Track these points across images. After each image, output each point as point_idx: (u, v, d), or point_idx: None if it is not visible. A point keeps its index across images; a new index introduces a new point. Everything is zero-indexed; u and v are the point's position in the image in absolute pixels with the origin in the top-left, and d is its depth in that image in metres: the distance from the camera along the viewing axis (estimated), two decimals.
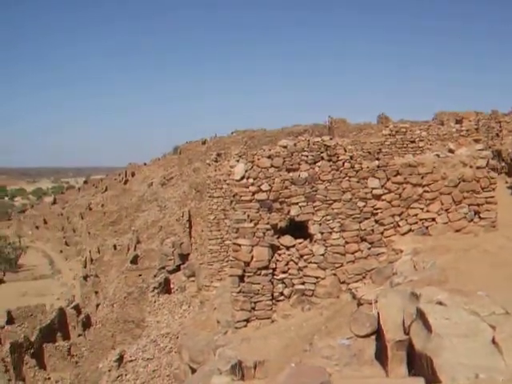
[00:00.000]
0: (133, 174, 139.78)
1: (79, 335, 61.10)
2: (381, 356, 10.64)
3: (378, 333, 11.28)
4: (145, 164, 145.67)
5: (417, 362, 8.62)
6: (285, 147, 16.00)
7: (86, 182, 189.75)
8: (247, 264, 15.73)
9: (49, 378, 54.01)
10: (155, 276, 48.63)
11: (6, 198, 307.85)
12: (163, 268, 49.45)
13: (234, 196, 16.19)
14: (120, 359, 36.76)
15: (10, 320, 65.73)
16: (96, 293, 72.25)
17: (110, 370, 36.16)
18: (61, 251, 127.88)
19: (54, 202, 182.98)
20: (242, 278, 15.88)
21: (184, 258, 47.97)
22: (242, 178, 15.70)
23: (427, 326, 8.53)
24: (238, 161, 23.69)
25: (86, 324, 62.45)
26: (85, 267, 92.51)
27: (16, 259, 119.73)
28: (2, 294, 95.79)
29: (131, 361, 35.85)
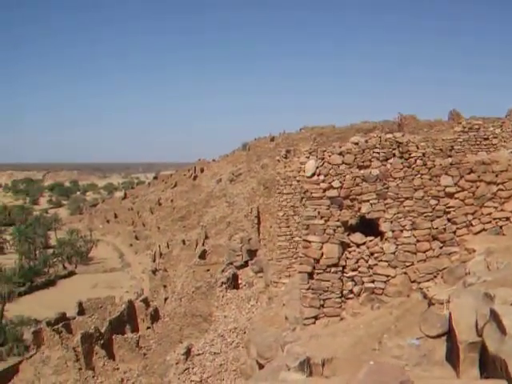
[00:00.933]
0: (202, 170, 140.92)
1: (148, 328, 62.05)
2: (451, 357, 10.46)
3: (450, 334, 11.09)
4: (214, 160, 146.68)
5: (490, 365, 8.44)
6: (356, 144, 15.85)
7: (155, 178, 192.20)
8: (317, 261, 15.65)
9: (117, 369, 55.00)
10: (223, 271, 48.94)
11: (78, 193, 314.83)
12: (231, 263, 49.73)
13: (304, 193, 16.13)
14: (187, 352, 37.15)
15: (81, 311, 67.31)
16: (164, 287, 73.21)
17: (177, 363, 36.58)
18: (130, 245, 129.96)
19: (125, 197, 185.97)
20: (311, 275, 15.82)
21: (252, 253, 48.14)
22: (313, 174, 15.63)
23: (501, 328, 8.33)
24: (308, 157, 23.59)
25: (155, 317, 63.34)
26: (154, 261, 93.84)
27: (87, 252, 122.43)
28: (73, 285, 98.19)
29: (198, 354, 36.17)
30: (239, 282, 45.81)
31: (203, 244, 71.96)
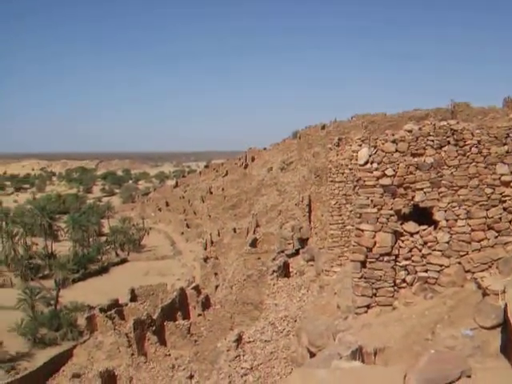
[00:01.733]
0: (253, 159, 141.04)
1: (199, 315, 62.57)
2: (507, 349, 10.30)
3: (505, 325, 10.91)
4: (264, 149, 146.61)
5: None
6: (410, 131, 15.63)
7: (206, 166, 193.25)
8: (369, 249, 15.53)
9: (169, 355, 55.65)
10: (274, 259, 48.98)
11: (131, 182, 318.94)
12: (282, 252, 49.72)
13: (357, 181, 15.96)
14: (238, 340, 37.30)
15: (133, 298, 68.25)
16: (215, 274, 73.68)
17: (228, 350, 36.74)
18: (182, 233, 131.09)
19: (176, 186, 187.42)
20: (363, 264, 15.71)
21: (303, 242, 48.04)
22: (366, 162, 15.49)
23: None
24: (360, 145, 23.38)
25: (206, 304, 63.84)
26: (205, 249, 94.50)
27: (139, 240, 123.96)
28: (125, 272, 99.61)
29: (249, 342, 36.29)
30: (290, 270, 45.78)
31: (254, 232, 72.12)
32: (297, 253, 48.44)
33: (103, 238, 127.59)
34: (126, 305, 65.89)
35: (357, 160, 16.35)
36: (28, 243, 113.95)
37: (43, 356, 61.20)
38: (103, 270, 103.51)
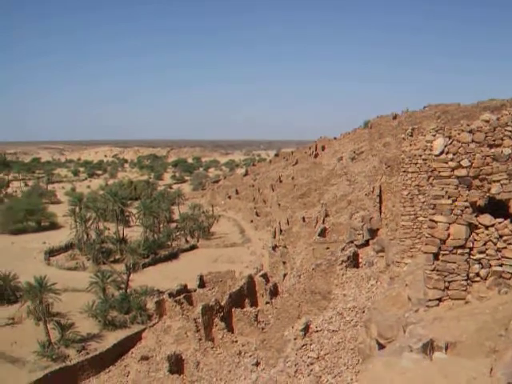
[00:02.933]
0: (323, 148, 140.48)
1: (266, 303, 62.77)
2: None
3: None
4: (335, 138, 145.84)
5: None
6: (487, 121, 15.20)
7: (276, 155, 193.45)
8: (443, 242, 15.22)
9: (236, 341, 56.02)
10: (343, 249, 48.66)
11: (201, 169, 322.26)
12: (352, 242, 49.37)
13: (431, 171, 15.67)
14: (306, 329, 37.24)
15: (202, 284, 68.96)
16: (284, 263, 73.74)
17: (295, 339, 36.72)
18: (251, 221, 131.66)
19: (246, 174, 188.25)
20: (436, 256, 15.41)
21: (373, 233, 47.58)
22: (441, 153, 15.15)
23: None
24: (434, 135, 22.87)
25: (274, 292, 63.98)
26: (274, 237, 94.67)
27: (209, 227, 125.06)
28: (195, 259, 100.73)
29: (317, 331, 36.17)
30: (359, 260, 45.44)
31: (323, 222, 71.83)
32: (366, 243, 48.04)
33: (173, 225, 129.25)
34: (195, 290, 66.63)
35: (431, 150, 16.05)
36: (100, 228, 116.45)
37: (113, 338, 62.59)
38: (173, 256, 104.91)
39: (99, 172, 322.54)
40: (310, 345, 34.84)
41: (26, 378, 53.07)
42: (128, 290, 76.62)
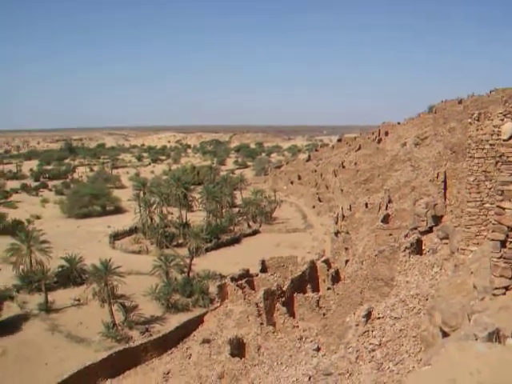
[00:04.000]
0: (386, 133, 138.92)
1: (328, 288, 62.54)
2: None
3: None
4: (398, 123, 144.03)
5: None
6: None
7: (339, 140, 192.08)
8: (510, 229, 14.83)
9: (297, 326, 56.05)
10: (406, 236, 48.06)
11: (263, 155, 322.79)
12: (415, 228, 48.66)
13: (499, 157, 15.22)
14: (368, 315, 36.98)
15: (264, 269, 69.20)
16: (346, 249, 73.29)
17: (357, 325, 36.49)
18: (313, 206, 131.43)
19: (308, 159, 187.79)
20: (503, 244, 15.00)
21: (437, 219, 46.74)
22: (510, 137, 14.74)
23: None
24: (502, 120, 22.30)
25: (335, 278, 63.70)
26: (336, 223, 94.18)
27: (271, 212, 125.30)
28: (257, 243, 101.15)
29: (379, 318, 35.87)
30: (423, 247, 44.79)
31: (386, 208, 71.09)
32: (430, 230, 47.23)
33: (236, 210, 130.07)
34: (257, 275, 66.88)
35: (499, 135, 15.65)
36: (164, 212, 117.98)
37: (175, 320, 63.51)
38: (235, 241, 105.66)
39: (162, 157, 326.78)
40: (372, 331, 34.58)
41: (92, 357, 54.40)
42: (191, 274, 77.56)
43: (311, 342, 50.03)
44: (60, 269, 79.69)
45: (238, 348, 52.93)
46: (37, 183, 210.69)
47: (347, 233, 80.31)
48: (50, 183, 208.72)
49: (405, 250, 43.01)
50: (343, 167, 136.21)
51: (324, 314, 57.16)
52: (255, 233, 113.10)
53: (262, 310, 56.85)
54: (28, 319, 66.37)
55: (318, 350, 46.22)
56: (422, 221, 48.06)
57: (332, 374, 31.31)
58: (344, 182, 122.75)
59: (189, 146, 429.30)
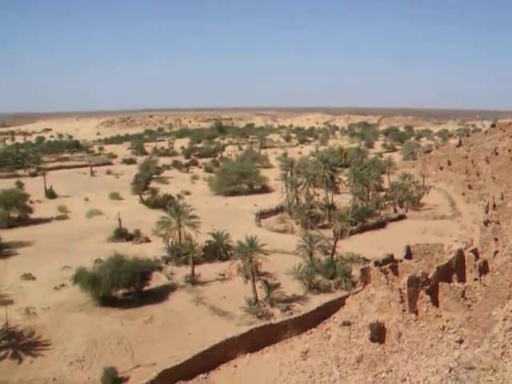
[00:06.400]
0: None
1: (475, 279, 60.67)
2: None
3: None
4: None
5: None
6: None
7: (493, 126, 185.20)
8: None
9: (440, 316, 54.82)
10: None
11: (412, 138, 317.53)
12: None
13: None
14: None
15: (409, 255, 68.16)
16: (495, 239, 70.77)
17: (504, 320, 35.35)
18: (463, 194, 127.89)
19: (459, 145, 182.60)
20: None
21: None
22: None
23: None
24: None
25: (483, 269, 61.66)
26: (486, 212, 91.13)
27: (419, 198, 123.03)
28: (403, 229, 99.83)
29: None
30: None
31: None
32: None
33: (382, 194, 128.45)
34: (401, 261, 65.92)
35: None
36: (310, 193, 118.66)
37: (316, 301, 63.87)
38: (380, 225, 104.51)
39: (310, 138, 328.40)
40: None
41: (233, 330, 56.01)
42: (334, 256, 77.65)
43: (454, 333, 48.86)
44: (207, 244, 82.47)
45: (378, 333, 52.59)
46: (187, 160, 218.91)
47: (498, 223, 77.43)
48: (200, 161, 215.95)
49: None
50: (496, 154, 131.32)
51: (469, 306, 55.48)
52: (401, 218, 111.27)
53: (405, 297, 56.05)
54: (175, 290, 69.32)
55: (461, 342, 45.16)
56: None
57: (474, 369, 30.55)
58: (496, 170, 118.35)
59: (337, 128, 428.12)
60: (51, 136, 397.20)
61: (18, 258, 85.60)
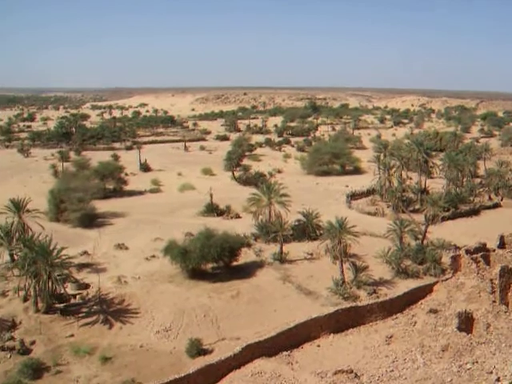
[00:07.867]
0: None
1: None
2: None
3: None
4: None
5: None
6: None
7: None
8: None
9: None
10: None
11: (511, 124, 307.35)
12: None
13: None
14: None
15: (502, 244, 66.54)
16: None
17: None
18: None
19: None
20: None
21: None
22: None
23: None
24: None
25: None
26: None
27: None
28: (497, 217, 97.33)
29: None
30: None
31: None
32: None
33: (477, 180, 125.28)
34: (494, 250, 64.46)
35: None
36: (403, 177, 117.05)
37: (403, 286, 63.34)
38: (474, 212, 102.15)
39: (405, 121, 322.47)
40: None
41: (318, 310, 56.27)
42: (424, 241, 76.57)
43: None
44: (297, 222, 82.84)
45: (465, 323, 51.76)
46: (280, 139, 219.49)
47: None
48: (293, 139, 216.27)
49: None
50: None
51: None
52: (496, 206, 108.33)
53: (497, 288, 54.87)
54: (262, 267, 70.12)
55: None
56: None
57: None
58: None
59: (433, 111, 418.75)
60: (147, 111, 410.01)
61: (112, 228, 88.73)
